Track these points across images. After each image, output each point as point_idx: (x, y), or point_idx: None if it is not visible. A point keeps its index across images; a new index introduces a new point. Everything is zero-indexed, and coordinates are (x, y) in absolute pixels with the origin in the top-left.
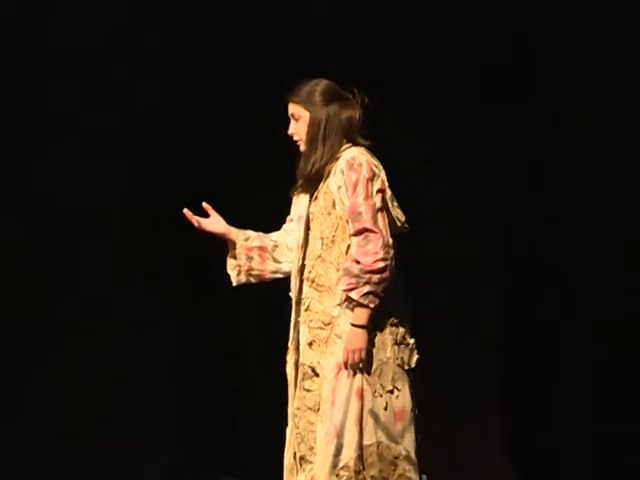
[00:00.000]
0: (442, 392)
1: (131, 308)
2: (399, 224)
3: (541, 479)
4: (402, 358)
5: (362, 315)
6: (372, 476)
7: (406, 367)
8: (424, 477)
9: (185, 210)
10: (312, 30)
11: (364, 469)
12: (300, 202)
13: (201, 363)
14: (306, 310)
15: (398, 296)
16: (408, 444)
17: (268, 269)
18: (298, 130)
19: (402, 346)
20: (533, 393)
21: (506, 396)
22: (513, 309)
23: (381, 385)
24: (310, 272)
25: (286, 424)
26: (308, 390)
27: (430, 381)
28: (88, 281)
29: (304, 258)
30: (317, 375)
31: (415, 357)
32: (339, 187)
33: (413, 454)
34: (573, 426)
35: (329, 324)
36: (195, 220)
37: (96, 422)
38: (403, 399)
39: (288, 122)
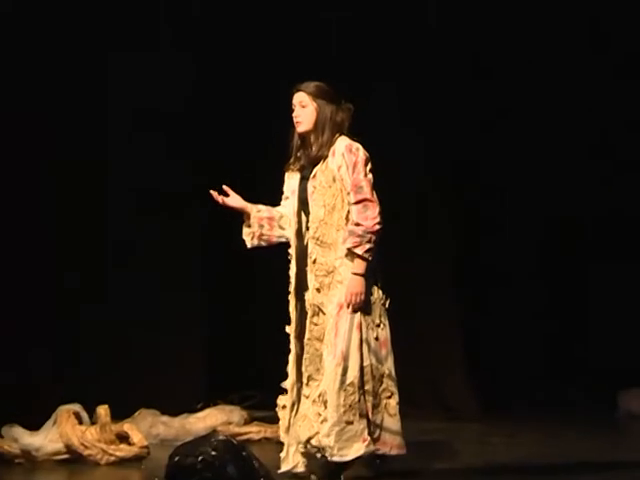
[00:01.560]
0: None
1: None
2: None
3: (495, 388)
4: (384, 299)
5: (362, 266)
6: (366, 390)
7: (386, 306)
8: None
9: (211, 191)
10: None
11: (363, 385)
12: (292, 179)
13: (231, 305)
14: (313, 263)
15: (379, 253)
16: (390, 365)
17: (275, 234)
18: (302, 115)
19: (380, 292)
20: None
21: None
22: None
23: (372, 320)
24: (315, 232)
25: (288, 351)
26: (316, 324)
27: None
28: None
29: (307, 222)
30: (323, 313)
31: (388, 299)
32: (339, 167)
33: (393, 373)
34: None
35: (331, 272)
36: (220, 199)
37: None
38: (386, 331)
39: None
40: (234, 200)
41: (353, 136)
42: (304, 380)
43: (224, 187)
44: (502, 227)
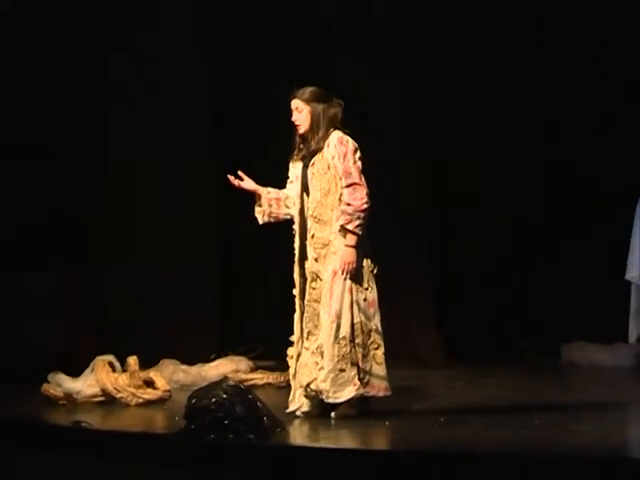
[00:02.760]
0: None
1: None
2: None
3: (459, 340)
4: (371, 266)
5: (353, 239)
6: (357, 343)
7: (374, 272)
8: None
9: (228, 176)
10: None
11: (354, 338)
12: (296, 167)
13: (245, 273)
14: (312, 237)
15: (366, 228)
16: (377, 321)
17: (282, 212)
18: (300, 118)
19: (370, 259)
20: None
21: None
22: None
23: (361, 285)
24: (313, 212)
25: (294, 311)
26: (314, 288)
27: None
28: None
29: (307, 202)
30: (320, 279)
31: (376, 267)
32: (333, 156)
33: (380, 328)
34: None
35: (327, 245)
36: (236, 182)
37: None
38: (373, 293)
39: (290, 113)
40: (248, 183)
41: (344, 128)
42: (304, 335)
43: (239, 172)
44: (470, 197)
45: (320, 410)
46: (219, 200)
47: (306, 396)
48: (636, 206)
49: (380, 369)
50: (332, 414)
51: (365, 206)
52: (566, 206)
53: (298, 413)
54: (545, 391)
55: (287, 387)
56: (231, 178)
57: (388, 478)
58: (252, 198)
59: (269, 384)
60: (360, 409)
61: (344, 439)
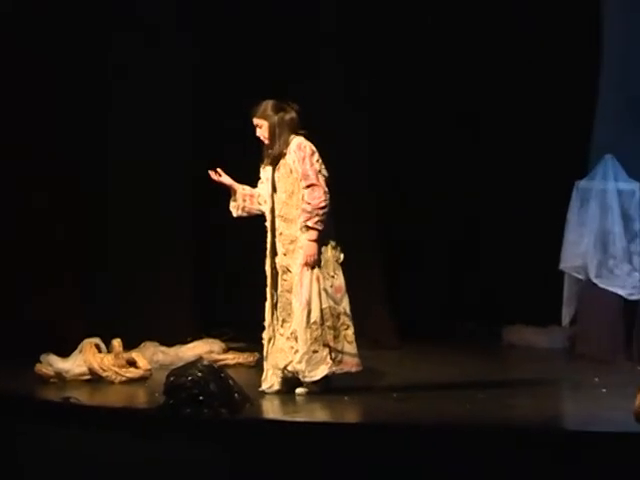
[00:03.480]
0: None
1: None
2: (325, 178)
3: (410, 323)
4: (336, 256)
5: (314, 234)
6: (327, 326)
7: (339, 262)
8: None
9: (210, 171)
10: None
11: (324, 322)
12: (266, 170)
13: (217, 259)
14: (280, 234)
15: (330, 221)
16: (345, 305)
17: (254, 208)
18: (262, 133)
19: (335, 250)
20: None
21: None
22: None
23: (327, 273)
24: (280, 211)
25: (265, 299)
26: (285, 280)
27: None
28: None
29: (274, 203)
30: (290, 271)
31: (342, 255)
32: (294, 161)
33: (348, 310)
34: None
35: (294, 241)
36: (217, 177)
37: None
38: (339, 280)
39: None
40: (226, 179)
41: (302, 130)
42: (279, 322)
43: (218, 169)
44: (419, 180)
45: (289, 388)
46: (196, 192)
47: (283, 377)
48: (571, 198)
49: (351, 347)
50: (297, 391)
51: (323, 204)
52: (508, 195)
53: (269, 391)
54: (487, 369)
55: (256, 366)
56: (212, 173)
57: (349, 448)
58: (228, 193)
59: (239, 364)
60: (322, 386)
61: (308, 413)
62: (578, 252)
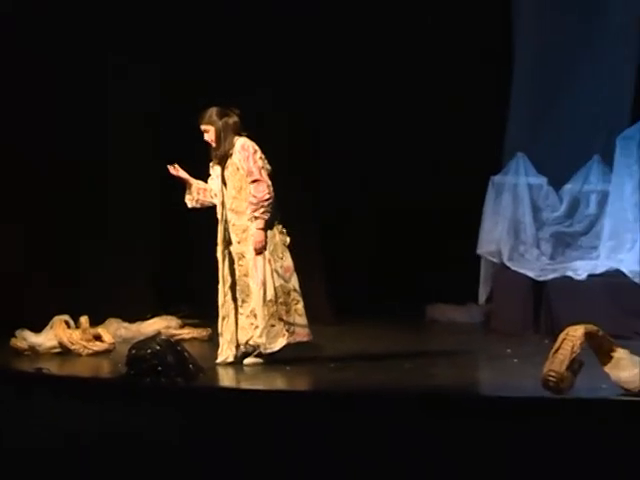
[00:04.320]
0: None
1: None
2: (268, 172)
3: (343, 300)
4: (283, 240)
5: (261, 223)
6: (280, 302)
7: (286, 244)
8: None
9: (169, 166)
10: None
11: (278, 298)
12: (215, 169)
13: (175, 247)
14: (233, 225)
15: (275, 210)
16: (294, 282)
17: (207, 200)
18: (209, 137)
19: (282, 234)
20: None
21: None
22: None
23: (277, 255)
24: (231, 205)
25: (217, 282)
26: (241, 265)
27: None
28: None
29: (225, 197)
30: (245, 257)
31: (288, 239)
32: (240, 159)
33: (297, 287)
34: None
35: (245, 230)
36: (175, 171)
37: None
38: (288, 261)
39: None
40: (182, 174)
41: (245, 131)
42: (240, 302)
43: (175, 165)
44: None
45: (240, 360)
46: (158, 186)
47: (245, 352)
48: (487, 191)
49: (301, 320)
50: (245, 362)
51: (267, 196)
52: (433, 188)
53: (224, 362)
54: (413, 343)
55: (209, 341)
56: (170, 168)
57: (292, 413)
58: (184, 186)
59: (194, 338)
60: (267, 358)
61: (255, 381)
62: (493, 238)
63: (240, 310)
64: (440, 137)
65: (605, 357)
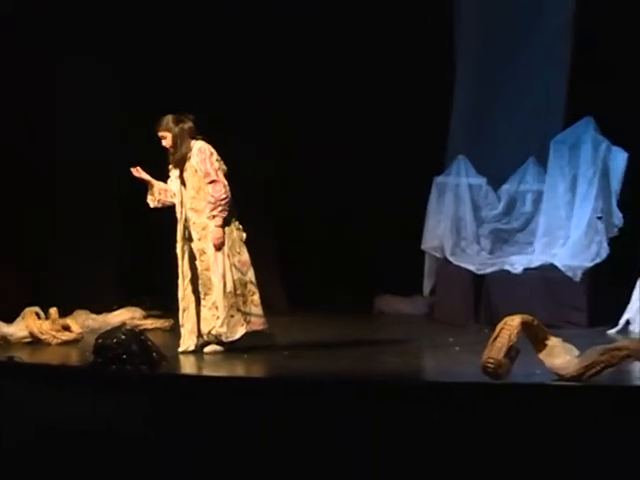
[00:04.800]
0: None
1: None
2: (225, 172)
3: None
4: (240, 236)
5: (220, 221)
6: (238, 294)
7: (243, 240)
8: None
9: (132, 168)
10: None
11: (236, 290)
12: (174, 171)
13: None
14: (193, 224)
15: (233, 208)
16: (251, 275)
17: (168, 201)
18: (167, 143)
19: (239, 230)
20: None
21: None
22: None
23: (235, 250)
24: (191, 204)
25: (177, 277)
26: (203, 261)
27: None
28: None
29: (184, 197)
30: (205, 253)
31: (245, 235)
32: (197, 162)
33: (254, 279)
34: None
35: (205, 228)
36: (138, 174)
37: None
38: (245, 255)
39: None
40: (145, 175)
41: (200, 135)
42: (202, 296)
43: (138, 167)
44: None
45: (201, 349)
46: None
47: (207, 341)
48: (431, 191)
49: (257, 310)
50: (205, 350)
51: (224, 196)
52: (381, 189)
53: (186, 351)
54: (361, 332)
55: (170, 330)
56: (134, 170)
57: (248, 397)
58: (147, 187)
59: (157, 328)
60: (226, 346)
61: (214, 368)
62: (436, 235)
63: (202, 302)
64: (387, 141)
65: (540, 345)
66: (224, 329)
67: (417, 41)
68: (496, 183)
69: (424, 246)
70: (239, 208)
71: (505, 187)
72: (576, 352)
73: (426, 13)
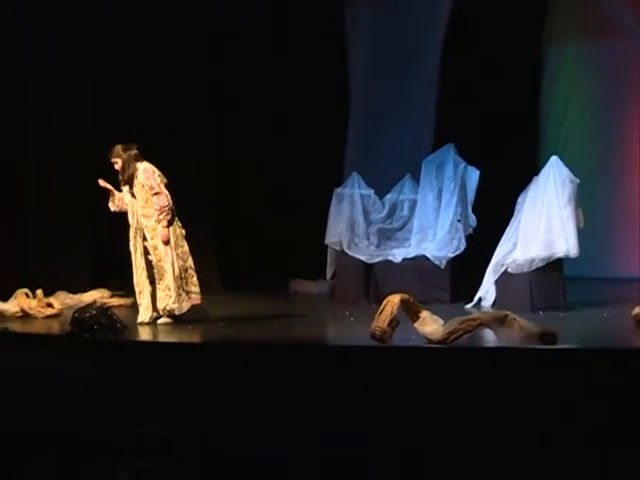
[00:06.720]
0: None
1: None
2: (165, 184)
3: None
4: (181, 232)
5: (165, 223)
6: (183, 277)
7: (183, 235)
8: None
9: (99, 179)
10: None
11: (181, 274)
12: (125, 187)
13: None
14: (146, 227)
15: (174, 211)
16: (190, 262)
17: (124, 207)
18: (118, 167)
19: (180, 228)
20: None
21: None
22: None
23: (178, 244)
24: (142, 212)
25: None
26: (156, 254)
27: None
28: None
29: (136, 207)
30: (157, 248)
31: (184, 231)
32: (143, 179)
33: (192, 265)
34: None
35: (155, 229)
36: (103, 184)
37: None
38: (185, 247)
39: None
40: (108, 185)
41: (143, 158)
42: (157, 281)
43: (101, 179)
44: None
45: (154, 321)
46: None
47: (160, 314)
48: (332, 196)
49: (195, 289)
50: (158, 322)
51: (167, 203)
52: (295, 196)
53: (142, 322)
54: (280, 308)
55: (131, 307)
56: (100, 181)
57: (194, 360)
58: (109, 195)
59: (121, 305)
60: (175, 318)
61: (166, 335)
62: (336, 232)
63: (158, 286)
64: (300, 160)
65: (414, 317)
66: (176, 305)
67: (317, 82)
68: (381, 193)
69: (327, 241)
70: (179, 209)
71: (388, 196)
72: (442, 322)
73: (325, 40)
